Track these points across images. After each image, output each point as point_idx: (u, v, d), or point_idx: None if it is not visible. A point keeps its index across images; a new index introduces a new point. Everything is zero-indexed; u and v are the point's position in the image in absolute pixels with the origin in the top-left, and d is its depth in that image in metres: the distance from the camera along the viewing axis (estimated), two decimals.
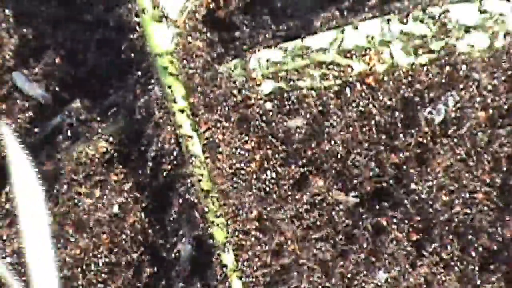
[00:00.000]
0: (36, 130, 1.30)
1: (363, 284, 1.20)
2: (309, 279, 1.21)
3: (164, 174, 1.20)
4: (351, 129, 1.20)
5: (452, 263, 1.20)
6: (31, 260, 0.99)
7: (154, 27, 1.21)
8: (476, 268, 1.18)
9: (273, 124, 1.20)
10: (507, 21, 1.30)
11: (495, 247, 1.22)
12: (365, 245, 1.20)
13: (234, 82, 1.19)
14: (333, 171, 1.21)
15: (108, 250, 1.21)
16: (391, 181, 1.21)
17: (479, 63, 1.22)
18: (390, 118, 1.21)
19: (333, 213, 1.21)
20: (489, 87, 1.23)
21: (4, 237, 1.22)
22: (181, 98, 1.17)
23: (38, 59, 1.30)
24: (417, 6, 1.22)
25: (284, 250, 1.20)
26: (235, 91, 1.19)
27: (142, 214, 1.25)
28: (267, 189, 1.17)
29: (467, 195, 1.22)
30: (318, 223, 1.21)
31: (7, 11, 1.41)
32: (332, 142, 1.20)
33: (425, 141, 1.20)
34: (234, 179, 1.18)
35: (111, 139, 1.21)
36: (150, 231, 1.22)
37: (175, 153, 1.18)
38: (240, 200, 1.18)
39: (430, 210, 1.21)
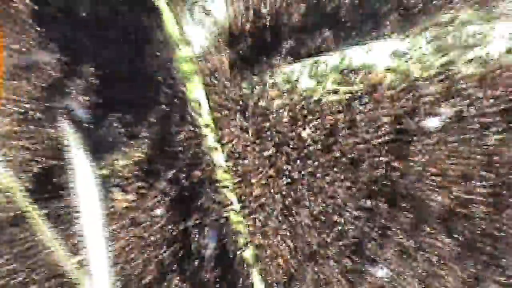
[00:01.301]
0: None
1: (366, 279, 1.27)
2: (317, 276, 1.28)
3: (192, 181, 1.27)
4: (358, 138, 1.27)
5: (450, 260, 1.27)
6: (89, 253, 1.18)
7: (180, 51, 1.26)
8: (475, 264, 1.27)
9: (288, 134, 1.23)
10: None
11: (492, 244, 1.28)
12: (369, 244, 1.28)
13: (254, 97, 1.28)
14: (342, 176, 1.27)
15: (141, 248, 1.29)
16: (394, 184, 1.28)
17: (475, 78, 1.30)
18: (393, 127, 1.27)
19: (342, 215, 1.27)
20: (483, 101, 1.32)
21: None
22: (206, 113, 1.23)
23: (78, 78, 1.35)
24: (417, 27, 1.29)
25: (298, 250, 1.27)
26: (254, 105, 1.27)
27: (172, 215, 1.28)
28: (284, 193, 1.25)
29: (464, 196, 1.28)
30: (328, 224, 1.26)
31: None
32: (341, 150, 1.27)
33: (424, 148, 1.27)
34: (254, 184, 1.27)
35: (144, 150, 1.27)
36: (177, 232, 1.28)
37: (202, 162, 1.27)
38: (259, 202, 1.26)
39: (429, 210, 1.28)
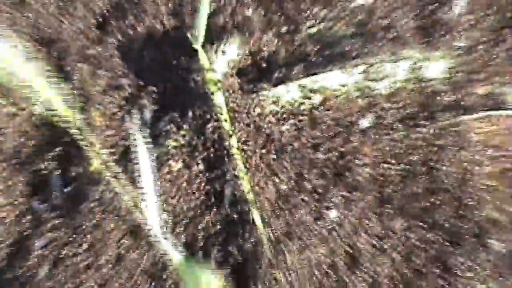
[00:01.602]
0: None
1: (324, 218, 1.46)
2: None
3: (217, 155, 1.50)
4: (317, 131, 1.51)
5: (371, 205, 1.47)
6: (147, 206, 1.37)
7: (209, 76, 1.51)
8: (383, 206, 1.47)
9: (273, 128, 1.50)
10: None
11: (396, 195, 1.48)
12: (324, 196, 1.47)
13: (253, 105, 1.52)
14: (307, 155, 1.49)
15: (185, 196, 1.49)
16: (339, 161, 1.50)
17: (386, 96, 1.53)
18: (338, 125, 1.51)
19: (308, 178, 1.48)
20: (391, 110, 1.52)
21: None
22: (225, 114, 1.48)
23: (145, 93, 1.54)
24: (351, 65, 1.52)
25: (281, 198, 1.48)
26: (253, 110, 1.51)
27: (204, 176, 1.49)
28: (271, 163, 1.48)
29: (382, 169, 1.49)
30: (298, 182, 1.48)
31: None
32: (307, 139, 1.50)
33: (358, 139, 1.51)
34: (253, 157, 1.49)
35: (186, 136, 1.50)
36: (207, 187, 1.49)
37: (222, 144, 1.50)
38: (256, 168, 1.47)
39: (359, 177, 1.49)
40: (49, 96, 1.44)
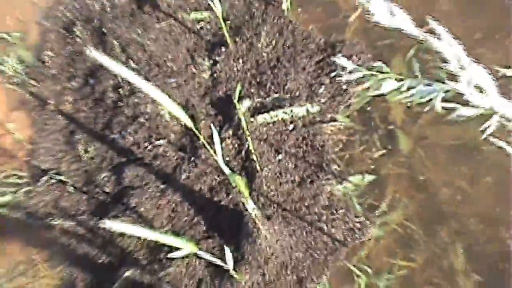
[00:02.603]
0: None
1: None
2: None
3: (241, 138, 2.59)
4: (274, 129, 2.58)
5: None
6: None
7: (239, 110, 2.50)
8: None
9: (259, 128, 2.50)
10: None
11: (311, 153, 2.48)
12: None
13: (254, 122, 2.51)
14: (273, 134, 2.49)
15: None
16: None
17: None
18: (281, 127, 2.55)
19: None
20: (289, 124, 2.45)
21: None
22: (246, 126, 2.45)
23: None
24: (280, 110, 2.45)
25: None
26: (254, 123, 2.52)
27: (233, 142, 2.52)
28: (259, 137, 2.49)
29: (296, 140, 2.51)
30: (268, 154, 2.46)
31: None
32: (272, 132, 2.53)
33: (286, 131, 2.53)
34: (253, 137, 2.52)
35: (229, 133, 2.51)
36: (236, 145, 2.54)
37: (244, 135, 2.53)
38: (254, 139, 2.46)
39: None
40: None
